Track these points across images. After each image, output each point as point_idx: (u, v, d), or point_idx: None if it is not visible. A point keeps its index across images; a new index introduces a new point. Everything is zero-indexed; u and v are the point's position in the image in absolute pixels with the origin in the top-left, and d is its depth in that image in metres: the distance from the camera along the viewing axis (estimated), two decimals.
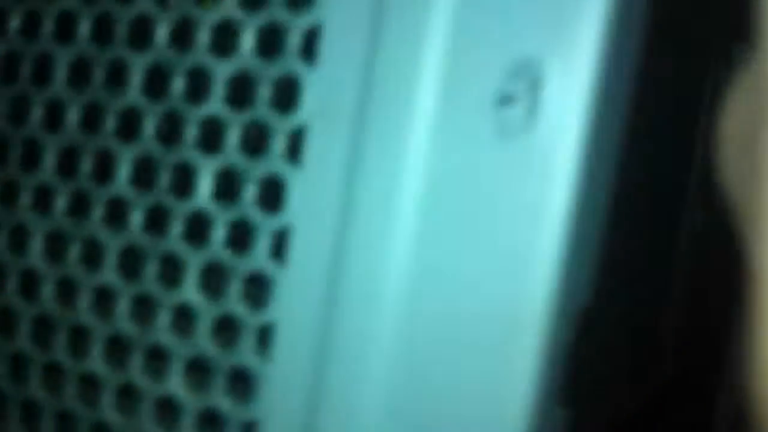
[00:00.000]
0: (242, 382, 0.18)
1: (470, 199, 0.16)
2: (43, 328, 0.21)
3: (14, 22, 0.21)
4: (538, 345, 0.15)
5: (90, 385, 0.20)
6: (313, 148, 0.18)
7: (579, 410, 0.16)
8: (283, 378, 0.18)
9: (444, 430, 0.16)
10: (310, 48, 0.18)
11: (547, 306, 0.15)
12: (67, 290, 0.21)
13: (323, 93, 0.18)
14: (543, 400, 0.15)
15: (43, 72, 0.21)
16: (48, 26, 0.21)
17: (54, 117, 0.21)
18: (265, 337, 0.18)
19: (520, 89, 0.15)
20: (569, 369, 0.15)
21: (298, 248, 0.18)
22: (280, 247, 0.18)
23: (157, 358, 0.19)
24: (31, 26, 0.21)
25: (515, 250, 0.15)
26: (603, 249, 0.16)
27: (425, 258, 0.16)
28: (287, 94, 0.18)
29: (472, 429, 0.16)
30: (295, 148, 0.18)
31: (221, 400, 0.18)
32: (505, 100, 0.16)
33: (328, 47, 0.18)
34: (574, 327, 0.15)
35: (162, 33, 0.19)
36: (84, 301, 0.20)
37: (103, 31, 0.20)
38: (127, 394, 0.20)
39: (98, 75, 0.20)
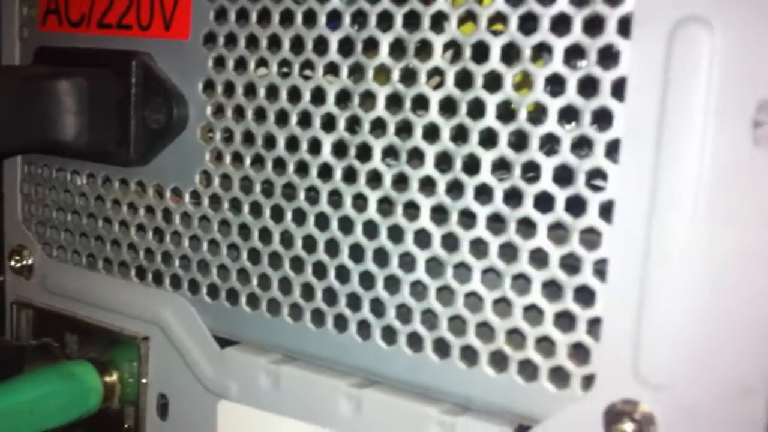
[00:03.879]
0: (586, 295, 0.30)
1: (732, 190, 0.27)
2: None
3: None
4: None
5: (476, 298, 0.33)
6: (625, 153, 0.29)
7: None
8: (614, 291, 0.30)
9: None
10: (619, 90, 0.29)
11: None
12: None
13: (628, 121, 0.29)
14: None
15: None
16: None
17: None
18: (600, 267, 0.30)
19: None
20: None
21: (619, 214, 0.29)
22: (607, 213, 0.30)
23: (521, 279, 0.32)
24: None
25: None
26: None
27: (703, 221, 0.28)
28: (605, 120, 0.29)
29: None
30: (612, 153, 0.29)
31: (571, 306, 0.31)
32: (756, 124, 0.27)
33: (630, 93, 0.29)
34: None
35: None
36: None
37: None
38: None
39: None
